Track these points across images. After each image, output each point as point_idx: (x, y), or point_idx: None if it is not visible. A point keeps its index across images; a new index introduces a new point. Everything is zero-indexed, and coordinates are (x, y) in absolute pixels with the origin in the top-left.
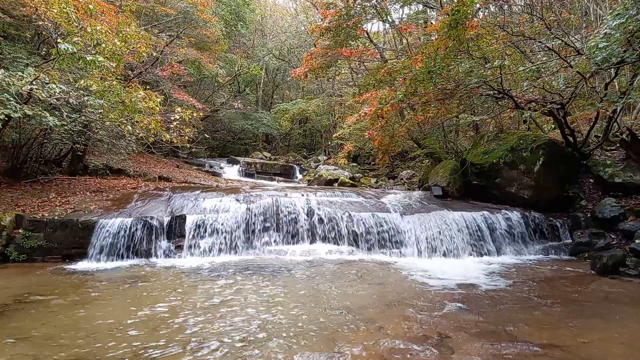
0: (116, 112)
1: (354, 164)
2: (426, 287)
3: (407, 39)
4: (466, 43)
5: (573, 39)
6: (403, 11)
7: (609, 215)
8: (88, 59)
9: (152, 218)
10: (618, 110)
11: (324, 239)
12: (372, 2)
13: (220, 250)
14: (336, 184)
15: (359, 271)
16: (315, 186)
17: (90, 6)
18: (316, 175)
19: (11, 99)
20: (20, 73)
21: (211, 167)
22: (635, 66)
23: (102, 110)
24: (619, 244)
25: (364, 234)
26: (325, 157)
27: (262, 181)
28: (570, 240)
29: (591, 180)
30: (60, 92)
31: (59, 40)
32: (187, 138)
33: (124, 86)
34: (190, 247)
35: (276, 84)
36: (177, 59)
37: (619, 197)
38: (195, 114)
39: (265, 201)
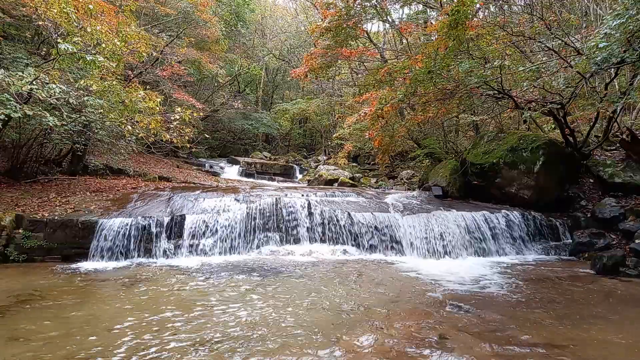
0: (116, 112)
1: (354, 164)
2: (426, 287)
3: (407, 39)
4: (466, 43)
5: (573, 39)
6: (403, 11)
7: (609, 215)
8: (88, 59)
9: (152, 218)
10: (618, 110)
11: (324, 239)
12: (372, 2)
13: (220, 250)
14: (336, 184)
15: (359, 271)
16: (315, 186)
17: (90, 6)
18: (316, 175)
19: (11, 99)
20: (20, 73)
21: (211, 167)
22: (635, 66)
23: (102, 110)
24: (619, 244)
25: (364, 234)
26: (325, 157)
27: (262, 181)
28: (570, 240)
29: (591, 180)
30: (60, 92)
31: (59, 40)
32: (187, 138)
33: (124, 86)
34: (190, 247)
35: (276, 84)
36: (177, 59)
37: (619, 197)
38: (195, 114)
39: (265, 201)
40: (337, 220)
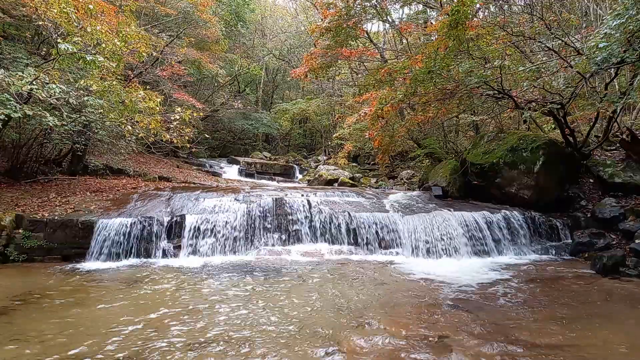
0: (116, 112)
1: (354, 164)
2: (426, 287)
3: (407, 39)
4: (466, 43)
5: (573, 39)
6: (403, 11)
7: (609, 215)
8: (88, 59)
9: (152, 218)
10: (618, 110)
11: (324, 239)
12: (372, 2)
13: (220, 250)
14: (336, 184)
15: (359, 271)
16: (315, 186)
17: (90, 6)
18: (316, 175)
19: (11, 99)
20: (20, 73)
21: (211, 167)
22: (635, 66)
23: (102, 110)
24: (619, 244)
25: (364, 234)
26: (325, 157)
27: (262, 181)
28: (570, 240)
29: (591, 180)
30: (60, 92)
31: (59, 40)
32: (187, 138)
33: (124, 86)
34: (190, 247)
35: (276, 84)
36: (177, 59)
37: (619, 197)
38: (195, 114)
39: (265, 201)
40: (337, 220)
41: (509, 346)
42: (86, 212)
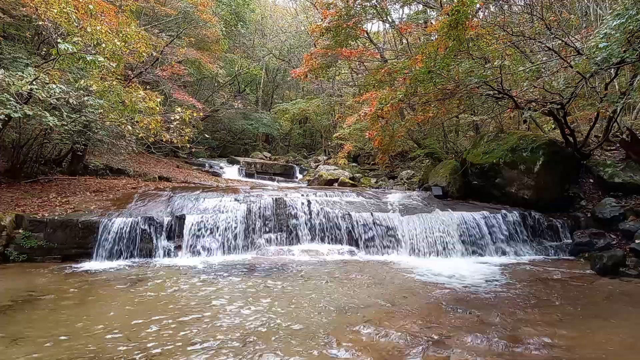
0: (116, 112)
1: (354, 164)
2: (425, 287)
3: (407, 39)
4: (466, 43)
5: (573, 39)
6: (403, 11)
7: (609, 215)
8: (88, 59)
9: (152, 218)
10: (618, 110)
11: (324, 238)
12: (372, 2)
13: (220, 250)
14: (336, 184)
15: (358, 271)
16: (316, 186)
17: (90, 6)
18: (316, 176)
19: (11, 99)
20: (20, 73)
21: (211, 167)
22: (635, 66)
23: (102, 110)
24: (619, 244)
25: (364, 234)
26: (325, 157)
27: (262, 181)
28: (570, 240)
29: (591, 180)
30: (60, 92)
31: (59, 40)
32: (187, 138)
33: (124, 86)
34: (190, 247)
35: (276, 84)
36: (177, 59)
37: (619, 197)
38: (195, 114)
39: (265, 201)
40: (337, 220)
41: (509, 346)
42: (86, 212)
